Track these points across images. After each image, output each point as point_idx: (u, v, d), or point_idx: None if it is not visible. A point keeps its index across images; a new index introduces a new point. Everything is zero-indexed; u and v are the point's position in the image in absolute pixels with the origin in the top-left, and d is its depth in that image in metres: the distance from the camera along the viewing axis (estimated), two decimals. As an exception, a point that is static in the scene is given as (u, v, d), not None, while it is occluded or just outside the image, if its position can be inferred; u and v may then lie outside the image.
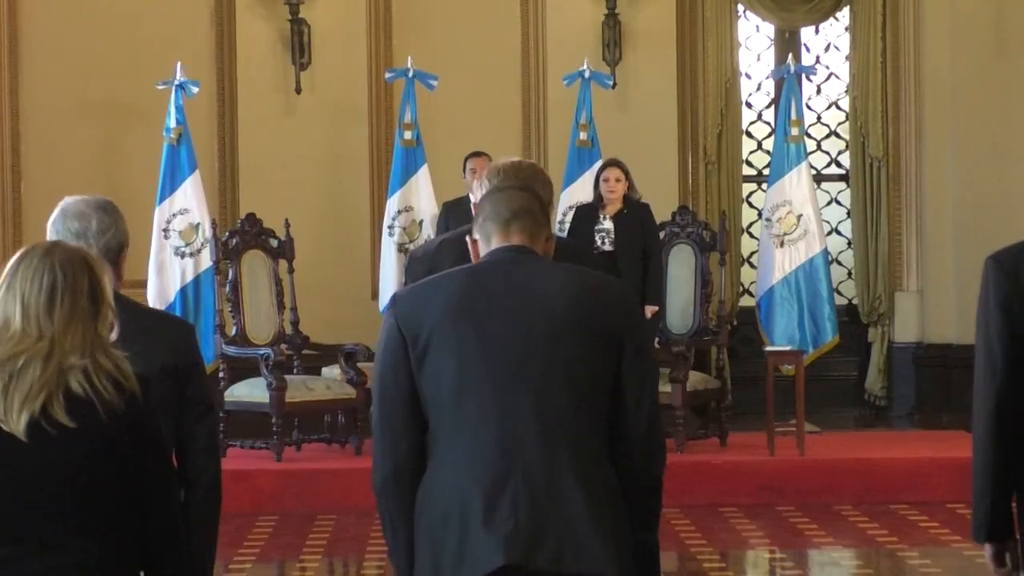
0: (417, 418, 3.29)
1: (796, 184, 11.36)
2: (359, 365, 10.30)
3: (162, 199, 11.02)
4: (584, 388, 3.27)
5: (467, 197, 9.67)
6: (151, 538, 3.11)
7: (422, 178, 11.25)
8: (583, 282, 3.36)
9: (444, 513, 3.24)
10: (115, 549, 3.06)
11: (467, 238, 3.52)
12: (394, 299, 3.41)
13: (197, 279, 10.94)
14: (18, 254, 3.07)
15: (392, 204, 11.26)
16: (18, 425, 2.94)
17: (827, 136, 12.94)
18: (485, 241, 3.43)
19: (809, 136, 12.23)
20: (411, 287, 3.50)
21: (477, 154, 10.50)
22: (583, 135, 11.39)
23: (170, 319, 4.30)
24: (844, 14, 12.65)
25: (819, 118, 12.89)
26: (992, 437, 3.76)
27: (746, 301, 12.39)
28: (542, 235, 3.44)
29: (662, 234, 10.80)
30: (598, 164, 10.86)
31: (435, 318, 3.27)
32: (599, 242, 10.29)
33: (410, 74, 11.32)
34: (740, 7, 12.54)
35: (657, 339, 10.59)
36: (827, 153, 12.96)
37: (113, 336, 3.09)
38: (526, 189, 3.56)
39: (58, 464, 2.99)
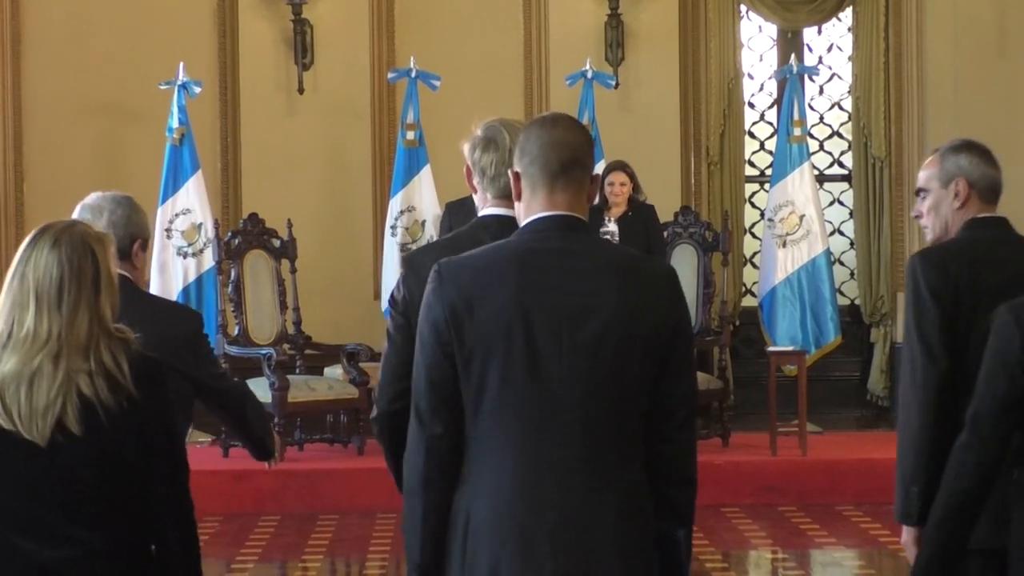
0: (455, 411, 3.23)
1: (798, 184, 11.37)
2: (361, 365, 10.31)
3: (164, 199, 11.03)
4: (629, 401, 3.23)
5: (470, 197, 9.67)
6: (161, 528, 3.33)
7: (424, 178, 11.25)
8: (634, 283, 3.25)
9: (478, 535, 3.21)
10: (122, 538, 3.30)
11: (508, 171, 3.40)
12: (440, 275, 3.25)
13: (199, 279, 10.95)
14: (29, 240, 3.36)
15: (394, 204, 11.26)
16: (43, 432, 3.20)
17: (829, 136, 12.94)
18: (530, 190, 3.31)
19: (811, 136, 12.24)
20: (459, 269, 3.26)
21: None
22: (585, 135, 11.39)
23: (177, 312, 4.56)
24: (847, 14, 12.65)
25: (821, 118, 12.89)
26: (929, 424, 3.95)
27: (748, 301, 12.39)
28: (586, 187, 3.32)
29: (664, 234, 10.81)
30: (602, 165, 10.86)
31: (487, 328, 3.19)
32: (603, 244, 10.30)
33: (413, 74, 11.32)
34: (743, 7, 12.54)
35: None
36: (829, 153, 12.95)
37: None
38: (577, 124, 3.38)
39: (69, 466, 3.23)
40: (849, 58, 12.74)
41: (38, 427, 3.20)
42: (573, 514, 3.17)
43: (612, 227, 10.36)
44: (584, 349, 3.18)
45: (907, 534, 4.02)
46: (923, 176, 4.27)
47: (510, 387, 3.18)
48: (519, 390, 3.18)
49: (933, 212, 4.24)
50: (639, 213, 10.35)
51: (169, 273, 10.94)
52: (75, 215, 4.32)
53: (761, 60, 12.87)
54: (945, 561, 3.59)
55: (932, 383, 3.97)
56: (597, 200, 10.56)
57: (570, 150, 3.28)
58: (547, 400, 3.18)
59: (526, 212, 3.31)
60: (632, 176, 10.39)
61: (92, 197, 4.47)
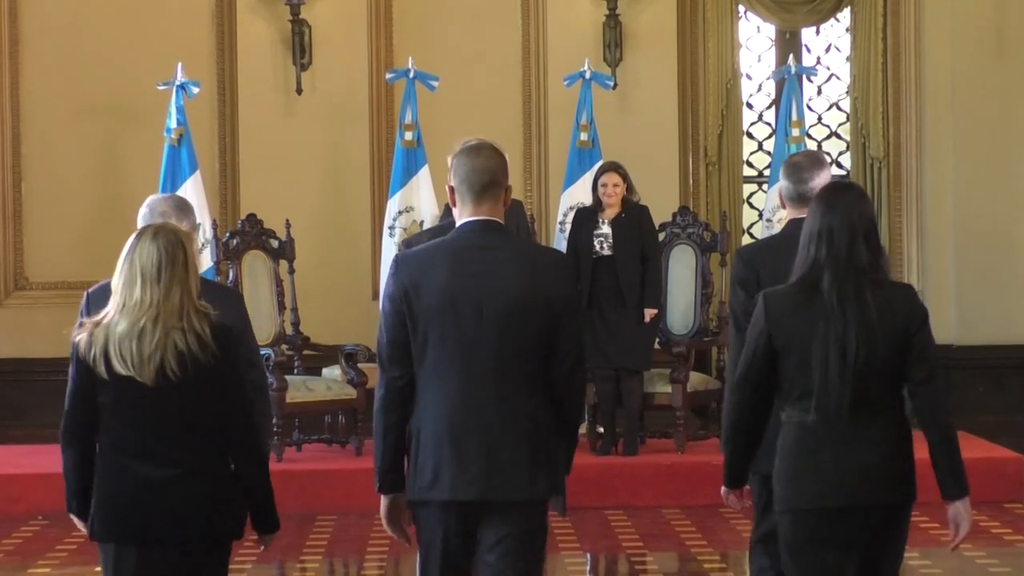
0: (408, 360, 4.48)
1: (797, 185, 11.34)
2: (360, 366, 10.30)
3: (162, 200, 11.01)
4: (529, 353, 4.46)
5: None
6: (234, 449, 4.51)
7: (423, 179, 11.24)
8: (533, 270, 4.50)
9: (425, 448, 4.47)
10: (210, 461, 4.46)
11: (446, 187, 4.61)
12: (397, 264, 4.55)
13: (198, 279, 10.92)
14: (134, 236, 4.44)
15: (393, 205, 11.26)
16: (149, 375, 4.35)
17: (828, 137, 12.95)
18: (461, 203, 4.56)
19: (810, 137, 12.23)
20: (411, 260, 4.57)
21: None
22: (584, 136, 11.38)
23: (222, 290, 5.55)
24: (845, 15, 12.66)
25: (820, 119, 12.90)
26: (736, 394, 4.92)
27: (747, 302, 12.36)
28: (502, 197, 4.56)
29: (662, 235, 10.80)
30: (598, 166, 10.84)
31: (427, 304, 4.45)
32: (598, 247, 10.29)
33: (411, 75, 11.32)
34: (741, 8, 12.55)
35: (657, 340, 10.60)
36: (828, 154, 12.95)
37: None
38: (495, 151, 4.60)
39: (171, 403, 4.38)
40: (847, 59, 12.74)
41: (146, 371, 4.34)
42: (491, 431, 4.44)
43: (606, 229, 10.35)
44: (495, 318, 4.43)
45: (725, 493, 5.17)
46: None
47: (445, 346, 4.44)
48: (451, 347, 4.44)
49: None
50: (633, 214, 10.34)
51: (167, 274, 10.91)
52: (144, 216, 5.30)
53: (759, 61, 12.88)
54: (737, 471, 4.78)
55: (736, 349, 5.18)
56: (591, 202, 10.63)
57: (488, 174, 4.53)
58: (470, 353, 4.43)
59: (459, 217, 4.57)
60: (625, 177, 10.37)
61: (156, 203, 5.36)
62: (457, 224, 4.58)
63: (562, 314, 4.47)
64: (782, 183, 5.46)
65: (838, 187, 4.73)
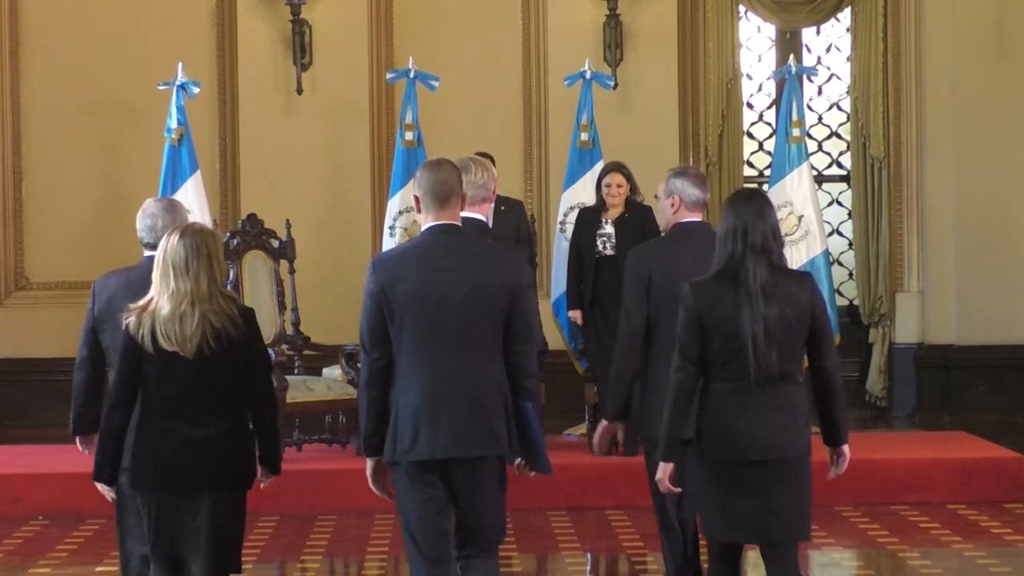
0: (386, 344, 5.30)
1: (797, 185, 11.34)
2: (360, 366, 10.28)
3: (163, 199, 11.00)
4: (489, 333, 5.28)
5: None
6: (258, 406, 5.39)
7: (423, 178, 11.23)
8: (488, 263, 5.32)
9: (404, 417, 5.27)
10: (237, 422, 5.34)
11: (412, 195, 5.46)
12: (374, 266, 5.33)
13: (198, 279, 10.91)
14: (166, 236, 5.31)
15: (393, 204, 11.24)
16: (191, 351, 5.23)
17: (828, 137, 12.95)
18: (426, 209, 5.37)
19: (810, 137, 12.23)
20: (387, 261, 5.38)
21: (480, 156, 10.49)
22: (584, 136, 11.37)
23: None
24: (845, 15, 12.66)
25: (820, 119, 12.90)
26: (620, 359, 6.27)
27: (747, 302, 12.36)
28: (458, 204, 5.39)
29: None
30: (599, 166, 10.84)
31: (402, 297, 5.26)
32: (601, 246, 10.29)
33: (411, 75, 11.31)
34: (741, 8, 12.55)
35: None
36: (828, 154, 12.96)
37: None
38: (452, 166, 5.43)
39: (207, 373, 5.25)
40: (848, 58, 12.75)
41: (188, 347, 5.21)
42: (459, 400, 5.25)
43: (608, 229, 10.34)
44: (459, 304, 5.24)
45: (604, 425, 6.43)
46: (658, 189, 6.51)
47: (418, 330, 5.26)
48: (423, 332, 5.25)
49: (661, 214, 6.50)
50: (636, 214, 10.34)
51: (168, 273, 10.91)
52: (139, 219, 5.94)
53: (760, 60, 12.88)
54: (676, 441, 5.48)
55: (624, 334, 6.25)
56: (592, 202, 10.63)
57: (448, 186, 5.36)
58: (439, 336, 5.24)
59: (424, 222, 5.40)
60: (629, 177, 10.37)
61: (148, 205, 5.98)
62: (422, 228, 5.42)
63: (515, 298, 5.30)
64: (692, 191, 6.30)
65: (749, 193, 5.58)
